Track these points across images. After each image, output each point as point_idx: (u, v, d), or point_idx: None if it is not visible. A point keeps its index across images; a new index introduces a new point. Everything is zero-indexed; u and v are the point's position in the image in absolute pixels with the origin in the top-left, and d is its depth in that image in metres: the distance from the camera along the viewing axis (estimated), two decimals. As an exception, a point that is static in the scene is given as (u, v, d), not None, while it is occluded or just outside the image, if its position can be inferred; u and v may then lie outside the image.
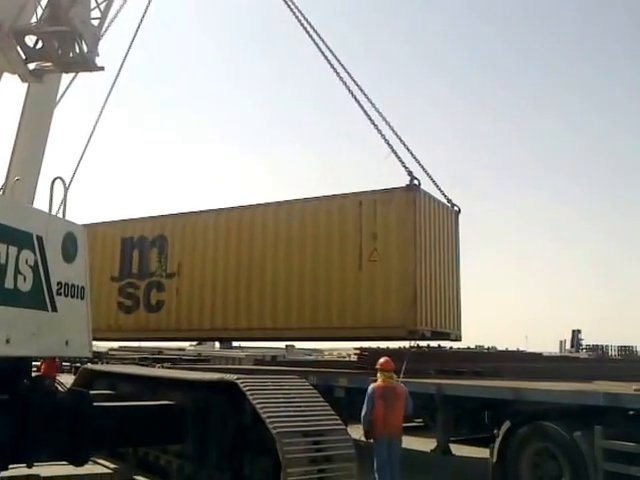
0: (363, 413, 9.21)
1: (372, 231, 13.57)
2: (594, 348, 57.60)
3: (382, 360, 9.47)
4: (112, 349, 24.89)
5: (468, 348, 22.51)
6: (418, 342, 13.18)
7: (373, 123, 14.25)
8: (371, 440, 9.14)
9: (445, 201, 15.09)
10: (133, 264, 16.78)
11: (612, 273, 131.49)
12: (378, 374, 9.47)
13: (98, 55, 10.06)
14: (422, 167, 14.88)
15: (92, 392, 9.69)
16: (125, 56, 16.34)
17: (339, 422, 7.90)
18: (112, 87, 16.36)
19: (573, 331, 63.70)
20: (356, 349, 16.00)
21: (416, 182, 13.61)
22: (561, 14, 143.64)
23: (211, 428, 8.84)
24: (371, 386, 9.37)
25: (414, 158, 14.76)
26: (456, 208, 15.43)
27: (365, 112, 14.34)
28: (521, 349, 28.86)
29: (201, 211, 16.31)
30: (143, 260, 16.65)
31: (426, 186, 14.33)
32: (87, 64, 9.59)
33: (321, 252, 14.17)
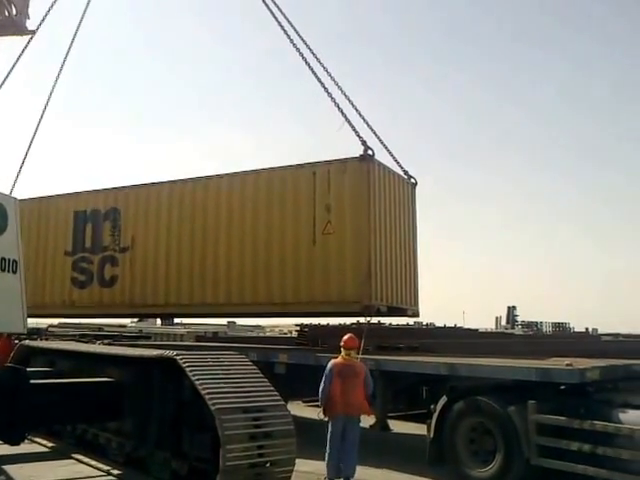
0: (320, 389, 9.10)
1: (326, 203, 13.40)
2: (529, 324, 58.74)
3: (345, 337, 9.33)
4: (51, 325, 24.70)
5: (407, 324, 22.46)
6: (359, 319, 13.10)
7: (326, 90, 13.98)
8: (326, 418, 9.06)
9: (402, 172, 14.95)
10: (86, 238, 16.53)
11: (550, 251, 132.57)
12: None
13: (29, 18, 9.85)
14: (377, 136, 14.71)
15: (29, 369, 9.58)
16: (78, 26, 16.63)
17: (279, 398, 7.92)
18: (67, 54, 16.86)
19: (509, 307, 64.79)
20: (297, 325, 15.98)
21: (370, 152, 13.41)
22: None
23: (150, 405, 8.85)
24: (330, 362, 9.24)
25: (369, 127, 14.57)
26: (413, 180, 15.27)
27: (316, 76, 14.10)
28: (459, 325, 28.98)
29: (154, 183, 16.02)
30: (96, 234, 16.41)
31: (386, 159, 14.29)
32: (16, 27, 9.40)
33: (274, 225, 14.01)
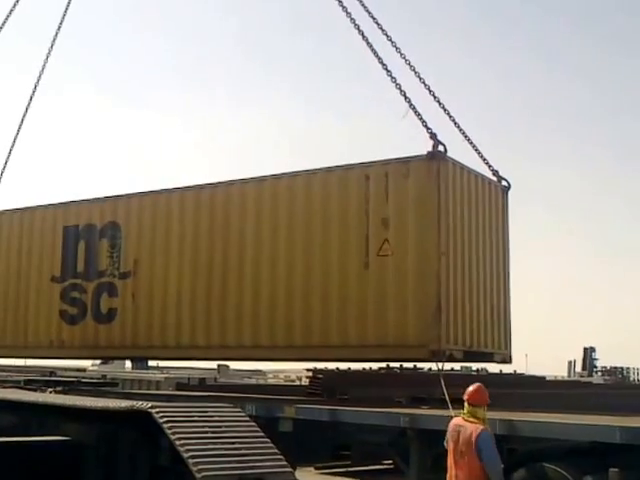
0: None
1: (382, 215, 13.22)
2: (612, 371, 58.09)
3: (471, 388, 8.93)
4: (-12, 369, 24.89)
5: (451, 369, 22.08)
6: (388, 363, 12.89)
7: (381, 61, 13.86)
8: None
9: (488, 173, 14.73)
10: (78, 260, 16.61)
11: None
12: None
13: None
14: (455, 123, 14.63)
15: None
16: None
17: (284, 463, 7.94)
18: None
19: (585, 349, 63.26)
20: (308, 370, 16.25)
21: (441, 148, 13.12)
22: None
23: (118, 471, 8.84)
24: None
25: (445, 112, 14.43)
26: (504, 183, 14.99)
27: (369, 44, 13.96)
28: (519, 372, 28.49)
29: (162, 190, 16.04)
30: (91, 255, 16.46)
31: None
32: None
33: (315, 244, 13.86)
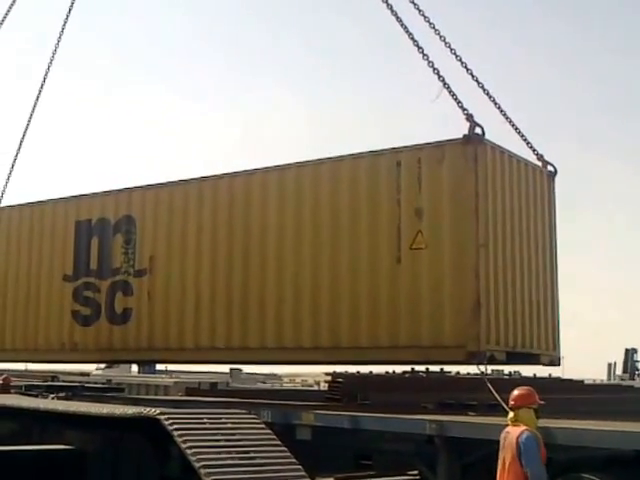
0: None
1: (415, 205, 12.80)
2: None
3: (515, 391, 8.84)
4: (-14, 373, 25.01)
5: (482, 373, 21.81)
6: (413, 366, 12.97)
7: (409, 33, 13.45)
8: None
9: (532, 158, 14.30)
10: (92, 257, 16.35)
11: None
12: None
13: None
14: (495, 102, 14.25)
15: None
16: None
17: (302, 473, 8.10)
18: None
19: (627, 350, 62.68)
20: (327, 374, 16.04)
21: (479, 130, 12.67)
22: None
23: None
24: None
25: (482, 89, 14.08)
26: (550, 168, 14.56)
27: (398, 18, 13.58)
28: (555, 375, 28.15)
29: (179, 181, 15.72)
30: (104, 251, 16.18)
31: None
32: None
33: (343, 237, 13.47)
